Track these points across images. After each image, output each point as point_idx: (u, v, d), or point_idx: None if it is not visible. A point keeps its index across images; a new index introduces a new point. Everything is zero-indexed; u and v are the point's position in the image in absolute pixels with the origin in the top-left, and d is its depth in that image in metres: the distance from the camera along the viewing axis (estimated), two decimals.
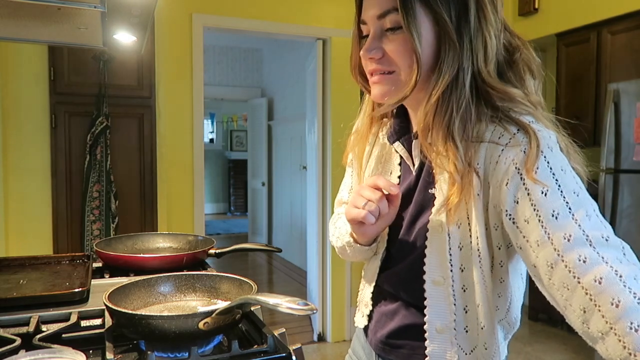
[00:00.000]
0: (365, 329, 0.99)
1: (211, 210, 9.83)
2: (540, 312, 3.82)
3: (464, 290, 0.83)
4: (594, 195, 3.08)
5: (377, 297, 0.96)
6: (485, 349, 0.83)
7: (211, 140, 10.02)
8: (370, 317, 0.98)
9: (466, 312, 0.84)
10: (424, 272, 0.84)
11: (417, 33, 0.77)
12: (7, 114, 2.66)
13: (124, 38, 1.33)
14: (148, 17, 1.14)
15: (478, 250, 0.80)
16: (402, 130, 0.92)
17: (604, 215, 2.75)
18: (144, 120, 2.83)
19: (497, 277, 0.83)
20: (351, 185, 1.10)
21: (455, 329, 0.84)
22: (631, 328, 0.60)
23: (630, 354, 0.60)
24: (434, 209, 0.83)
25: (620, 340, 0.61)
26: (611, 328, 0.62)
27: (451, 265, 0.82)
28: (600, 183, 2.98)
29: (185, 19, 3.09)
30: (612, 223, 2.91)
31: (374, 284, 0.96)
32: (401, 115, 0.93)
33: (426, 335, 0.85)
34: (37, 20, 1.19)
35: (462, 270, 0.82)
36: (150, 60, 2.80)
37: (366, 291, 0.99)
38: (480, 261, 0.80)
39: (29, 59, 2.67)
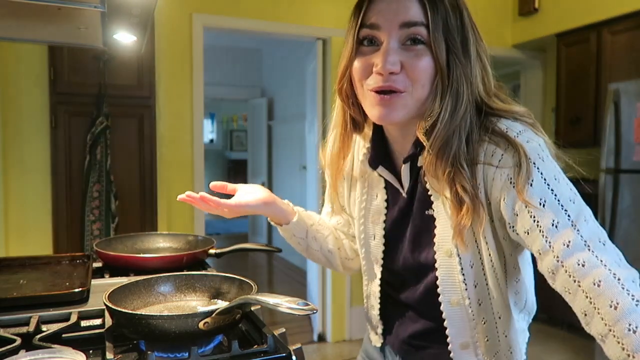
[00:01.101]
0: (384, 333, 1.00)
1: None
2: (540, 312, 3.81)
3: (480, 305, 0.84)
4: (594, 195, 3.09)
5: (391, 311, 0.98)
6: (511, 352, 0.86)
7: (211, 140, 10.01)
8: (384, 335, 0.99)
9: (484, 323, 0.85)
10: (438, 295, 0.85)
11: (440, 51, 0.76)
12: (7, 113, 2.66)
13: (124, 38, 1.32)
14: (148, 17, 1.14)
15: (492, 266, 0.81)
16: (383, 155, 0.90)
17: (604, 216, 2.75)
18: (144, 120, 2.83)
19: (512, 279, 0.85)
20: (332, 213, 1.10)
21: (477, 342, 0.86)
22: (629, 329, 0.60)
23: (628, 355, 0.60)
24: (439, 234, 0.83)
25: (619, 342, 0.61)
26: (610, 330, 0.62)
27: (465, 284, 0.83)
28: (600, 183, 2.98)
29: (185, 19, 3.08)
30: (612, 223, 2.91)
31: (378, 306, 0.98)
32: (378, 139, 0.91)
33: (452, 355, 0.87)
34: (37, 20, 1.19)
35: (476, 286, 0.83)
36: (150, 60, 2.79)
37: (374, 312, 1.00)
38: (496, 275, 0.82)
39: (29, 59, 2.67)
